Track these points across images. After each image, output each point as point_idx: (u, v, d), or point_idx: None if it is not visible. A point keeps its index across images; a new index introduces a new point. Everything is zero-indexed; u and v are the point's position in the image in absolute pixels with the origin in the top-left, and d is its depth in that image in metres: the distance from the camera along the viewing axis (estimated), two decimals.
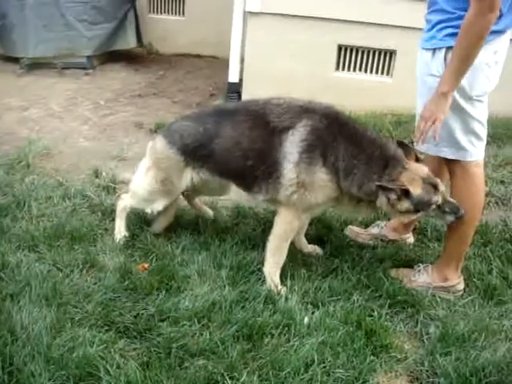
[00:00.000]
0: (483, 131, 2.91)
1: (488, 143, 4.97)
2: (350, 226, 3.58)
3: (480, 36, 2.53)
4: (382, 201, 2.80)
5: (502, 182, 4.33)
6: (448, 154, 2.90)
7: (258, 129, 2.94)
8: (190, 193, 3.47)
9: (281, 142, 2.84)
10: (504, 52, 2.81)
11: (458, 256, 3.04)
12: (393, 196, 2.74)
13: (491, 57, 2.74)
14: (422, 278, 3.07)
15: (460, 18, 2.59)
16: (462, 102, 2.77)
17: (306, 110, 2.90)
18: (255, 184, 2.97)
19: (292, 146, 2.82)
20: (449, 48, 2.69)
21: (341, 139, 2.81)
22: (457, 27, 2.61)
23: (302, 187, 2.82)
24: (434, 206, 2.81)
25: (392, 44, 5.59)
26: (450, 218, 2.88)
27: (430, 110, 2.69)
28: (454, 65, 2.61)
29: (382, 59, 5.84)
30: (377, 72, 5.86)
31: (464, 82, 2.71)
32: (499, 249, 3.36)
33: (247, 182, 3.02)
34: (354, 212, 3.11)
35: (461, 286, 3.04)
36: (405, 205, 2.76)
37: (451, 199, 2.86)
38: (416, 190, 2.74)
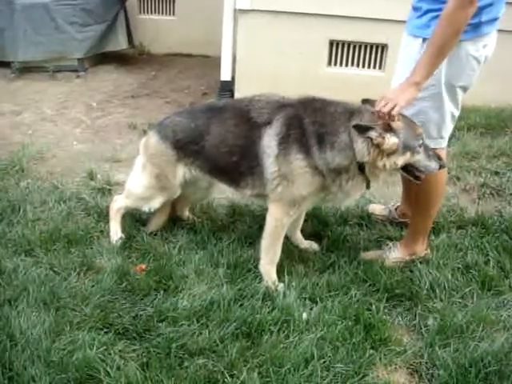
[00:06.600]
0: (453, 124, 2.98)
1: (482, 134, 5.06)
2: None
3: (458, 29, 2.55)
4: (361, 148, 2.65)
5: (497, 172, 4.33)
6: None
7: (242, 125, 2.97)
8: (180, 202, 3.49)
9: (260, 136, 2.88)
10: (492, 47, 2.82)
11: (424, 231, 3.21)
12: (374, 134, 2.60)
13: (480, 50, 2.76)
14: (393, 255, 3.19)
15: None
16: (444, 92, 2.80)
17: (282, 104, 2.92)
18: (242, 179, 3.01)
19: (270, 139, 2.84)
20: None
21: (307, 119, 2.79)
22: None
23: (285, 179, 2.83)
24: (421, 142, 2.70)
25: (383, 38, 5.59)
26: (435, 165, 2.79)
27: (394, 94, 2.66)
28: (429, 56, 2.61)
29: (373, 53, 5.85)
30: (369, 66, 5.88)
31: (449, 71, 2.74)
32: (495, 239, 3.37)
33: (234, 177, 3.05)
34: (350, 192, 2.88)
35: (423, 253, 3.22)
36: (392, 140, 2.61)
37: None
38: (397, 123, 2.64)
